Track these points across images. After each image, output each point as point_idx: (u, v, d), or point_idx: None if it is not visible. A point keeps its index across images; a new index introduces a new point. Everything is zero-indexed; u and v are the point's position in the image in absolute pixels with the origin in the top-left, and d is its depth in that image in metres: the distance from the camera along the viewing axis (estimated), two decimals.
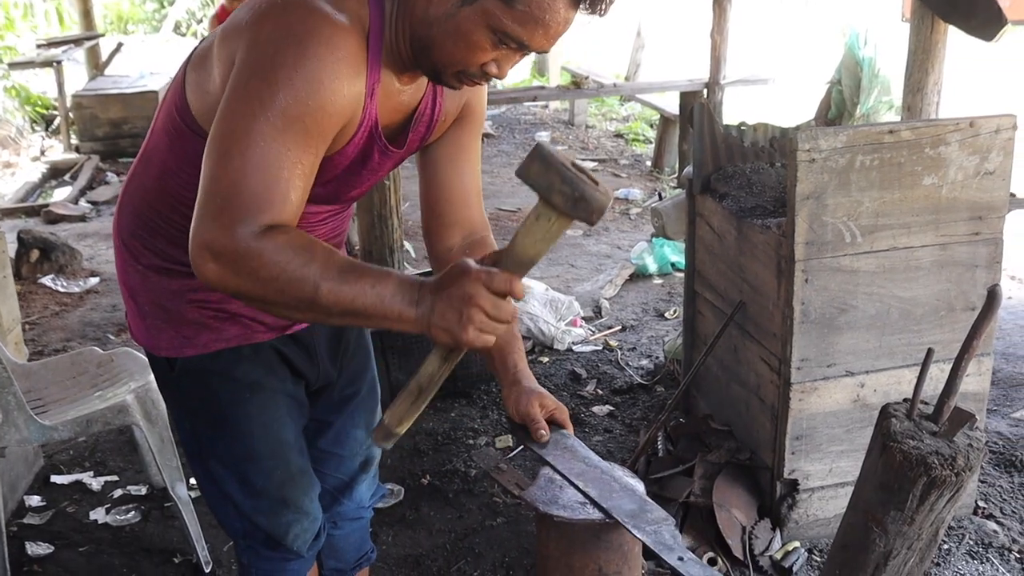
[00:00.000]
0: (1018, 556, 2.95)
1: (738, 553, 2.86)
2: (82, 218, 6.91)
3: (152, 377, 2.84)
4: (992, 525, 3.08)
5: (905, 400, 2.23)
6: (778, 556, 2.89)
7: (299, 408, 1.96)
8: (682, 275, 5.57)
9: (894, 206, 2.69)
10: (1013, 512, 3.17)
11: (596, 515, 1.49)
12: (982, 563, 2.91)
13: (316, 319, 1.47)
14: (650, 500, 1.49)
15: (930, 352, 2.12)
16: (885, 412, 2.19)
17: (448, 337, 1.38)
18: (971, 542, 3.00)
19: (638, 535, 1.40)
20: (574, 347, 4.57)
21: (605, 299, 5.17)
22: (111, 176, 7.95)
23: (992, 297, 2.05)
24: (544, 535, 1.52)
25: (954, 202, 2.73)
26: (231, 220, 1.38)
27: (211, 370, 1.83)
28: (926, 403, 2.20)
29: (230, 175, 1.40)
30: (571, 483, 1.50)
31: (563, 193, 1.28)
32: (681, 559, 1.37)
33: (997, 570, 2.88)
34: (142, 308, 1.83)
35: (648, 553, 2.15)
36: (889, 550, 2.16)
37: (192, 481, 3.14)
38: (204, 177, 1.43)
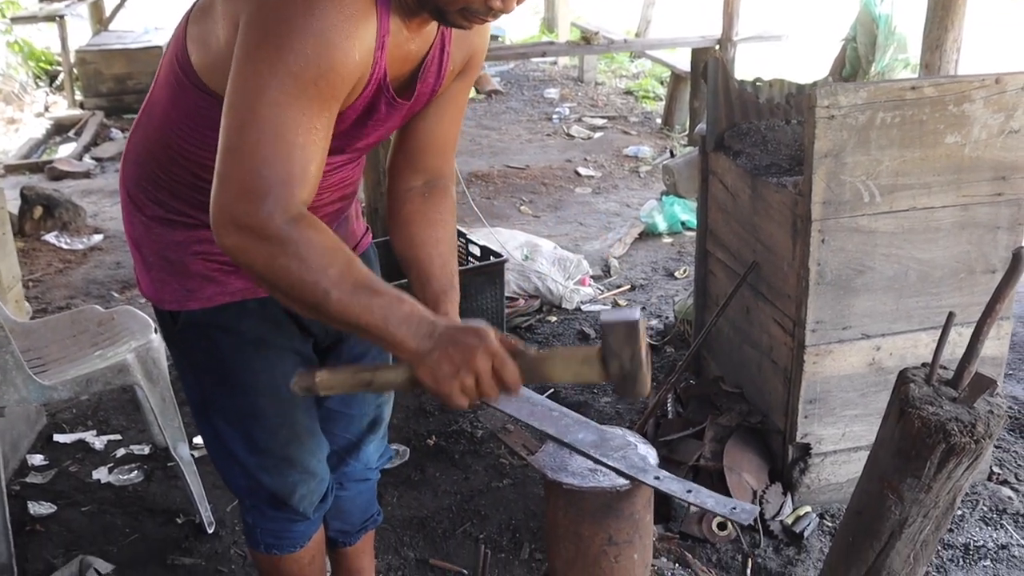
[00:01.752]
0: None
1: None
2: (86, 175, 6.85)
3: (153, 336, 2.81)
4: (1007, 491, 3.04)
5: (924, 365, 2.18)
6: (789, 521, 2.85)
7: (307, 366, 1.92)
8: (692, 234, 5.52)
9: (915, 165, 2.62)
10: None
11: (606, 483, 1.44)
12: (996, 529, 2.87)
13: (315, 318, 1.44)
14: (606, 428, 1.48)
15: (951, 316, 2.06)
16: (903, 377, 2.13)
17: (431, 381, 1.37)
18: (985, 508, 2.96)
19: (609, 463, 1.39)
20: (583, 306, 4.52)
21: (614, 258, 5.10)
22: (115, 132, 7.88)
23: (1017, 260, 1.98)
24: (553, 503, 1.47)
25: (977, 161, 2.65)
26: (256, 197, 1.36)
27: (215, 324, 1.79)
28: (945, 368, 2.14)
29: (248, 147, 1.37)
30: (525, 424, 1.49)
31: (623, 368, 1.34)
32: (658, 478, 1.37)
33: (1011, 536, 2.84)
34: (147, 260, 1.80)
35: (657, 518, 2.11)
36: (905, 518, 2.12)
37: (195, 440, 3.11)
38: (222, 148, 1.40)
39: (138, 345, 2.79)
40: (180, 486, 3.02)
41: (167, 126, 1.68)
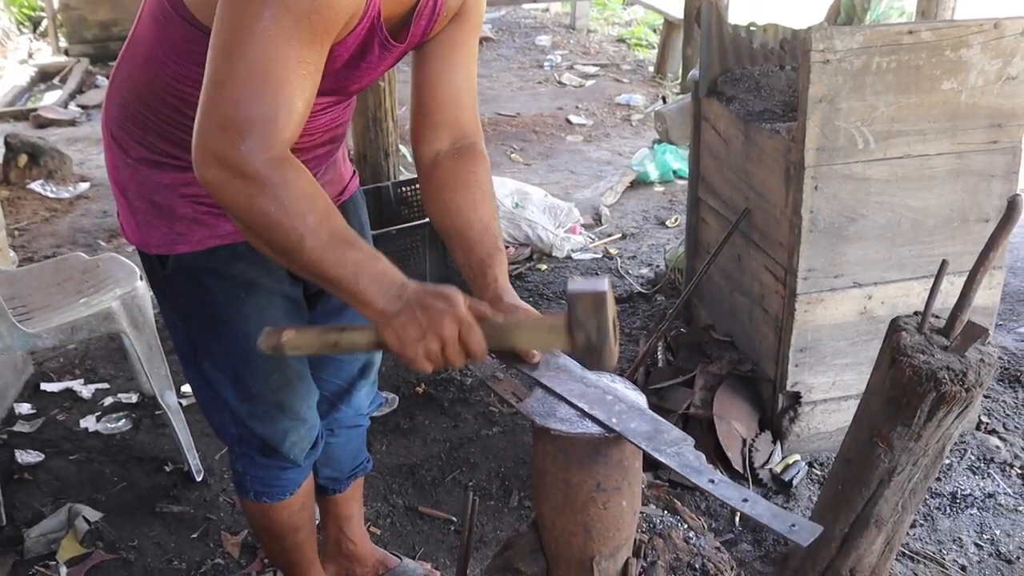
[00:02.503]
0: (1019, 472, 2.92)
1: (738, 466, 2.82)
2: (72, 123, 6.76)
3: (139, 283, 2.77)
4: (995, 441, 3.04)
5: (916, 313, 2.16)
6: (778, 469, 2.85)
7: (297, 310, 1.89)
8: (684, 182, 5.47)
9: (910, 111, 2.58)
10: (1016, 428, 3.13)
11: (595, 429, 1.41)
12: (983, 478, 2.88)
13: (285, 265, 1.40)
14: (661, 419, 1.42)
15: (944, 264, 2.05)
16: (895, 325, 2.12)
17: (396, 344, 1.33)
18: (973, 457, 2.97)
19: (662, 459, 1.32)
20: (573, 255, 4.50)
21: (605, 206, 5.07)
22: (101, 80, 7.76)
23: (1012, 207, 1.96)
24: (541, 449, 1.45)
25: (973, 108, 2.62)
26: (240, 131, 1.31)
27: (205, 268, 1.76)
28: (937, 316, 2.13)
29: (235, 80, 1.32)
30: (573, 406, 1.42)
31: (589, 340, 1.31)
32: (712, 481, 1.27)
33: (998, 486, 2.85)
34: (132, 204, 1.75)
35: (646, 466, 2.10)
36: (894, 466, 2.12)
37: (183, 388, 3.09)
38: (207, 80, 1.35)
39: (123, 292, 2.76)
40: (168, 434, 3.00)
41: (152, 63, 1.63)
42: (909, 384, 2.00)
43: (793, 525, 1.19)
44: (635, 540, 1.58)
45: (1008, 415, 3.19)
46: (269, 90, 1.33)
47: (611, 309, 1.30)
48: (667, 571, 1.58)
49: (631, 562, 1.55)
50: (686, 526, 1.72)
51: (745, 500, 1.24)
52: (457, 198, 1.66)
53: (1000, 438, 3.06)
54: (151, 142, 1.69)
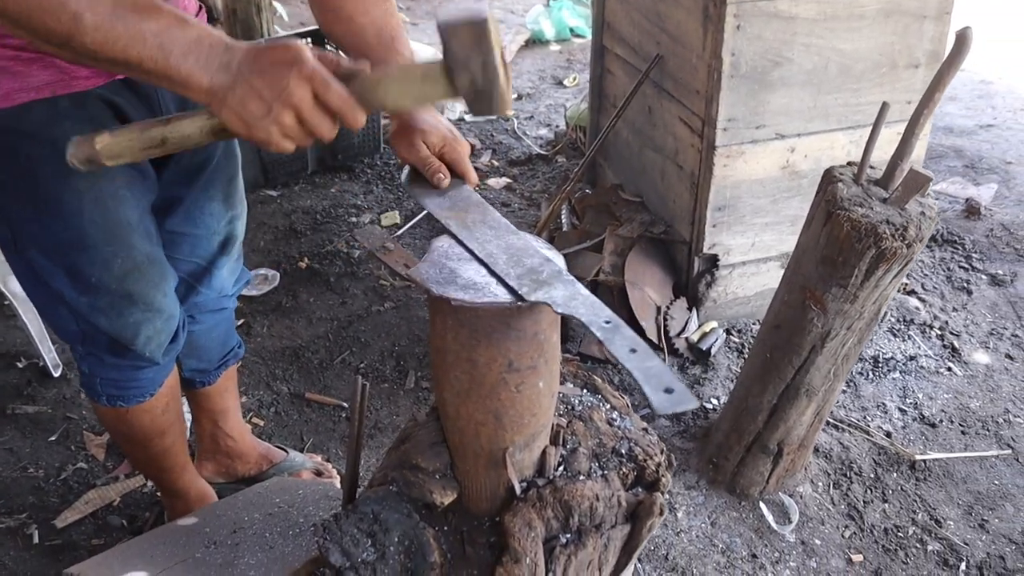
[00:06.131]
0: (939, 333, 2.81)
1: (652, 335, 2.64)
2: None
3: None
4: (914, 302, 2.92)
5: (850, 164, 1.97)
6: (695, 338, 2.68)
7: (143, 180, 1.56)
8: (581, 41, 5.24)
9: None
10: (934, 288, 3.01)
11: (505, 298, 1.16)
12: (904, 340, 2.76)
13: (71, 58, 1.11)
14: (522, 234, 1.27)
15: (885, 106, 1.86)
16: (830, 176, 1.93)
17: (240, 127, 1.09)
18: (893, 319, 2.84)
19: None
20: (466, 116, 4.23)
21: None
22: None
23: (961, 41, 1.76)
24: (440, 324, 1.19)
25: None
26: None
27: (19, 130, 1.40)
28: (873, 167, 1.95)
29: None
30: (439, 219, 1.29)
31: (474, 81, 1.09)
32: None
33: (919, 348, 2.73)
34: None
35: (565, 337, 1.89)
36: (827, 331, 1.95)
37: None
38: None
39: None
40: (19, 326, 2.67)
41: None
42: (846, 240, 1.81)
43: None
44: (553, 425, 1.36)
45: (926, 275, 3.07)
46: None
47: (496, 41, 1.07)
48: (590, 459, 1.37)
49: (549, 451, 1.34)
50: (608, 406, 1.51)
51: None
52: (346, 5, 1.47)
53: (919, 299, 2.94)
54: None
